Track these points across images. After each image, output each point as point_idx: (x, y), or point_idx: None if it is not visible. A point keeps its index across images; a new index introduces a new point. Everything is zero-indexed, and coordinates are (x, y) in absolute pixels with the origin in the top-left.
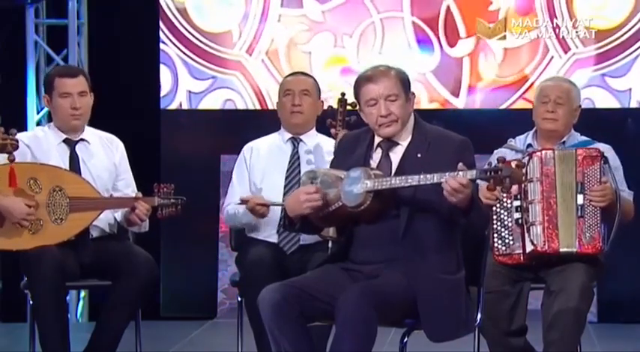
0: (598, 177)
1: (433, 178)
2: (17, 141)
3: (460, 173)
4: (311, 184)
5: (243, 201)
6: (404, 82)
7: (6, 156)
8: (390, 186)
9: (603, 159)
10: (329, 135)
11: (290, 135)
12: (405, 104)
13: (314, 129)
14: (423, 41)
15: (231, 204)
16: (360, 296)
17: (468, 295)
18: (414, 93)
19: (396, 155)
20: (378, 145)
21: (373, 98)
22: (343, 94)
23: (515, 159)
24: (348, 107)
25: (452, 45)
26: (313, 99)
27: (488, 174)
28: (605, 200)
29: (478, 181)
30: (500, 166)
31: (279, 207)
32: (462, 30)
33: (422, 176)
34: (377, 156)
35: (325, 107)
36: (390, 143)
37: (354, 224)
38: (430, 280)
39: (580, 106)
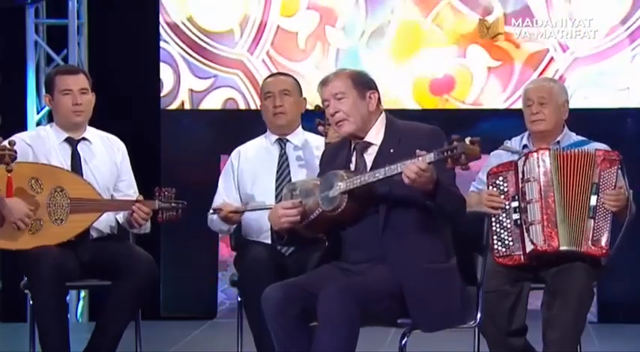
0: (614, 180)
1: (397, 168)
2: (16, 151)
3: (419, 158)
4: (291, 197)
5: (216, 210)
6: (357, 81)
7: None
8: (361, 184)
9: (621, 164)
10: (317, 133)
11: (276, 137)
12: (359, 102)
13: (300, 127)
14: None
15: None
16: (340, 292)
17: (463, 284)
18: (374, 92)
19: (370, 155)
20: (354, 148)
21: (325, 99)
22: None
23: (507, 163)
24: None
25: None
26: (295, 98)
27: (445, 154)
28: (618, 205)
29: (479, 188)
30: (454, 145)
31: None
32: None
33: (387, 168)
34: (354, 158)
35: (312, 107)
36: (363, 144)
37: (339, 228)
38: (415, 270)
39: (567, 102)
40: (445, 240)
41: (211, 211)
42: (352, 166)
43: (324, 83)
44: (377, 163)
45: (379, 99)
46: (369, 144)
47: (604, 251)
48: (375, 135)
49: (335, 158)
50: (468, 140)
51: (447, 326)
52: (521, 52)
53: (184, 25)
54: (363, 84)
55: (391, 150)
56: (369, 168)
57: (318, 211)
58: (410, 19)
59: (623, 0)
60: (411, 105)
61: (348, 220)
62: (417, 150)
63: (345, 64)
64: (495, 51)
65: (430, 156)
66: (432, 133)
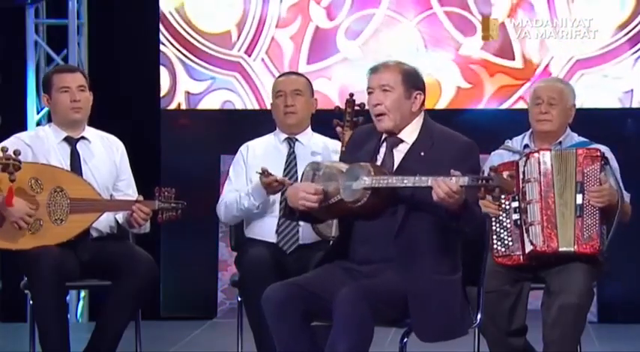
0: (598, 177)
1: (428, 181)
2: (20, 161)
3: (453, 179)
4: (313, 176)
5: (264, 172)
6: (407, 78)
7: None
8: (386, 185)
9: (604, 160)
10: (328, 135)
11: (285, 136)
12: (403, 99)
13: (309, 128)
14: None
15: (230, 192)
16: (356, 295)
17: (465, 297)
18: (421, 94)
19: (399, 153)
20: (384, 141)
21: (370, 87)
22: (351, 95)
23: (508, 163)
24: (356, 107)
25: None
26: (306, 98)
27: (480, 182)
28: (603, 200)
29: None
30: (491, 176)
31: (277, 208)
32: None
33: (417, 178)
34: (383, 151)
35: (332, 107)
36: (395, 139)
37: (353, 218)
38: (421, 280)
39: (574, 105)
40: (454, 253)
41: (235, 193)
42: (379, 159)
43: (373, 71)
44: (405, 163)
45: (424, 101)
46: (401, 141)
47: (596, 248)
48: (410, 133)
49: (363, 144)
50: (506, 174)
51: (445, 338)
52: (493, 81)
53: (180, 26)
54: (412, 82)
55: (422, 153)
56: (395, 166)
57: (337, 198)
58: (394, 18)
59: (625, 2)
60: None
61: (365, 215)
62: (452, 170)
63: (319, 43)
64: (469, 74)
65: (464, 180)
66: (465, 147)
